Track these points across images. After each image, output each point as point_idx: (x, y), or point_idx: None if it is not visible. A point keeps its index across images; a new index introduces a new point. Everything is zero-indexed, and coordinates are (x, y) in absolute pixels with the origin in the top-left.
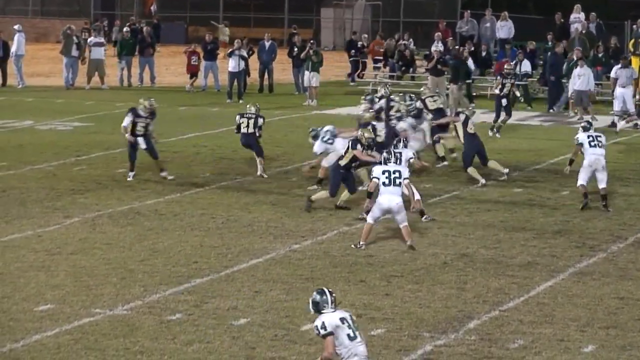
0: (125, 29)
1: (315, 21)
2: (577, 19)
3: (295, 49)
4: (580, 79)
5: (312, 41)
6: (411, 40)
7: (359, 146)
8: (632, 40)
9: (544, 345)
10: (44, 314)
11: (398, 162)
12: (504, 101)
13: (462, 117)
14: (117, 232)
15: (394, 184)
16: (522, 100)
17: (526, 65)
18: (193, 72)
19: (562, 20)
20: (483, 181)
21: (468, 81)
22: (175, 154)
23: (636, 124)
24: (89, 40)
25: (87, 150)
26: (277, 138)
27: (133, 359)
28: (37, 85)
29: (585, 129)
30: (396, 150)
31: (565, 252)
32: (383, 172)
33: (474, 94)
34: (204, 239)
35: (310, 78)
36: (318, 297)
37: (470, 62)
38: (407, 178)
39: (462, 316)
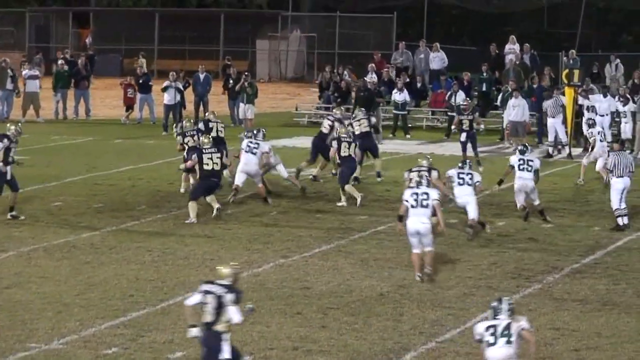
0: (60, 62)
1: (250, 53)
2: (512, 50)
3: (231, 81)
4: (515, 109)
5: (246, 73)
6: (346, 72)
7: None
8: (566, 71)
9: None
10: None
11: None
12: (462, 136)
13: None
14: (52, 266)
15: (422, 206)
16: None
17: (461, 96)
18: (129, 104)
19: (497, 51)
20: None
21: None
22: (110, 186)
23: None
24: (23, 73)
25: (22, 183)
26: None
27: None
28: None
29: (521, 152)
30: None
31: (501, 283)
32: (411, 195)
33: (410, 125)
34: (140, 272)
35: (245, 110)
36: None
37: (405, 93)
38: (436, 199)
39: (399, 348)
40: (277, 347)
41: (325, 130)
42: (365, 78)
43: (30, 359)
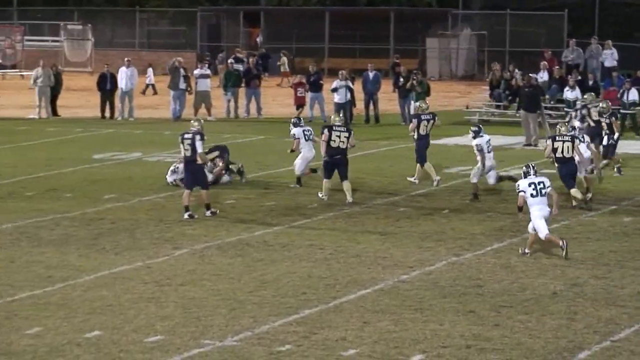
0: (230, 61)
1: (420, 51)
2: None
3: (401, 79)
4: None
5: (415, 71)
6: (517, 70)
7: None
8: None
9: None
10: (153, 345)
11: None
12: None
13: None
14: (226, 263)
15: (541, 195)
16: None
17: (634, 94)
18: (300, 103)
19: None
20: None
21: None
22: (283, 184)
23: None
24: (195, 72)
25: None
26: (384, 168)
27: None
28: (145, 117)
29: None
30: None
31: None
32: (529, 185)
33: None
34: (312, 269)
35: (416, 109)
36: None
37: (577, 91)
38: (550, 186)
39: (573, 347)
40: (450, 345)
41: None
42: (530, 74)
43: (205, 355)
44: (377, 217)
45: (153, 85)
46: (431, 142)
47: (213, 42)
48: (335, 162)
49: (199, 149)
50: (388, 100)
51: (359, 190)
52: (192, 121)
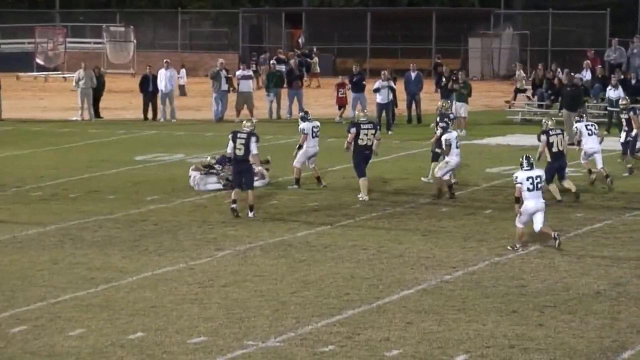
0: (272, 62)
1: (462, 51)
2: None
3: (443, 79)
4: None
5: (455, 72)
6: (559, 69)
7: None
8: None
9: None
10: (197, 346)
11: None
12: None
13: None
14: (269, 264)
15: (537, 189)
16: None
17: None
18: (341, 104)
19: None
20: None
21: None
22: (325, 185)
23: None
24: (237, 73)
25: None
26: (426, 168)
27: None
28: (187, 118)
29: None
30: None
31: None
32: (527, 179)
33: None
34: (355, 270)
35: (458, 108)
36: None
37: (620, 90)
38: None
39: (616, 346)
40: (493, 345)
41: None
42: (572, 73)
43: (248, 356)
44: (419, 217)
45: (183, 87)
46: (474, 141)
47: (255, 43)
48: (365, 157)
49: (254, 150)
50: (430, 100)
51: (403, 192)
52: (244, 122)
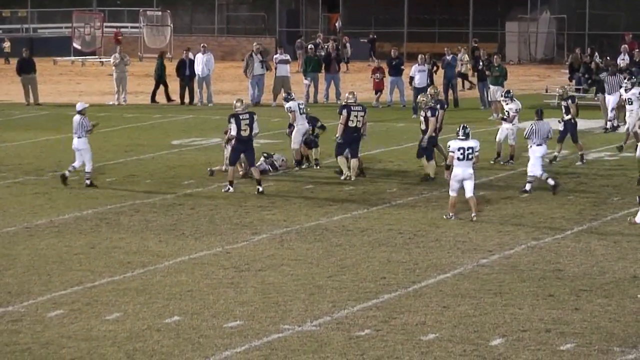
0: (310, 46)
1: (500, 35)
2: None
3: (480, 63)
4: None
5: (487, 56)
6: (596, 53)
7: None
8: None
9: None
10: (233, 330)
11: None
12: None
13: None
14: (305, 248)
15: (467, 159)
16: None
17: None
18: (378, 88)
19: None
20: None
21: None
22: (363, 169)
23: None
24: (274, 57)
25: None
26: None
27: None
28: (224, 103)
29: None
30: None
31: None
32: (458, 149)
33: None
34: (392, 254)
35: (494, 92)
36: None
37: None
38: (478, 151)
39: None
40: (529, 329)
41: None
42: (607, 57)
43: (284, 340)
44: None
45: None
46: (516, 125)
47: (292, 28)
48: (353, 139)
49: (257, 129)
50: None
51: (438, 176)
52: (236, 102)
